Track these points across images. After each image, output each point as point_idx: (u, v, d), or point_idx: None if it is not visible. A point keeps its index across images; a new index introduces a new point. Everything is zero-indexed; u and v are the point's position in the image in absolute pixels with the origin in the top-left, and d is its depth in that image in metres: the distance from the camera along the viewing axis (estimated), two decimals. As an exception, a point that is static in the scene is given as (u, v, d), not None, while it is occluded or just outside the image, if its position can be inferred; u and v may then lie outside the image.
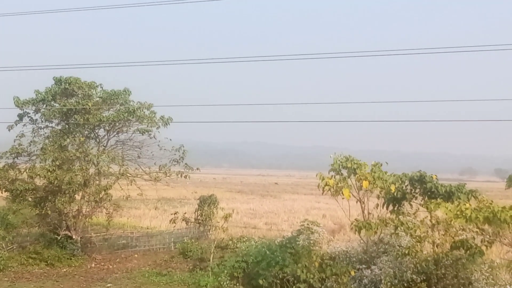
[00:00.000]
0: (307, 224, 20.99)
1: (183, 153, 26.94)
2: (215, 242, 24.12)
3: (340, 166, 19.94)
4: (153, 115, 26.68)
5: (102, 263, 25.15)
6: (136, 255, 26.80)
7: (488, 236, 16.93)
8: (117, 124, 26.57)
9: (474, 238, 16.96)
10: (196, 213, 31.56)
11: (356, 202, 20.33)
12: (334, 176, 19.93)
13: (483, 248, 16.54)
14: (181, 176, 26.99)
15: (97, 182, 26.13)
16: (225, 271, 19.79)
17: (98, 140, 27.40)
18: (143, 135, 26.82)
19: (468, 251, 16.18)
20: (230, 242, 27.15)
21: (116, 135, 27.59)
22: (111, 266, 24.66)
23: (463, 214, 15.04)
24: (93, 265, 24.78)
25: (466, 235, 17.15)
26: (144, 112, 26.52)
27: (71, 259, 24.80)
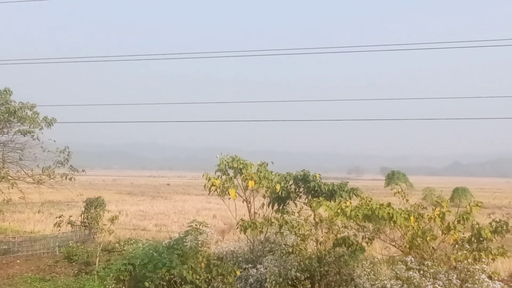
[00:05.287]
0: (195, 224, 20.99)
1: (68, 154, 26.20)
2: (102, 245, 23.59)
3: (227, 166, 20.21)
4: (35, 116, 25.79)
5: (-19, 271, 24.05)
6: (18, 261, 25.72)
7: (368, 233, 17.63)
8: (-3, 125, 25.49)
9: (355, 235, 17.45)
10: (82, 216, 30.86)
11: (243, 201, 20.60)
12: (221, 176, 20.14)
13: (364, 244, 17.07)
14: (66, 178, 26.25)
15: (-24, 186, 24.95)
16: (111, 275, 19.37)
17: (-24, 142, 26.16)
18: (25, 136, 25.86)
19: (350, 248, 16.55)
20: (117, 244, 26.77)
21: (-4, 137, 26.41)
22: (-10, 273, 23.63)
23: (344, 212, 15.56)
24: (-29, 272, 23.65)
25: (348, 233, 17.63)
26: (26, 113, 25.57)
27: None
